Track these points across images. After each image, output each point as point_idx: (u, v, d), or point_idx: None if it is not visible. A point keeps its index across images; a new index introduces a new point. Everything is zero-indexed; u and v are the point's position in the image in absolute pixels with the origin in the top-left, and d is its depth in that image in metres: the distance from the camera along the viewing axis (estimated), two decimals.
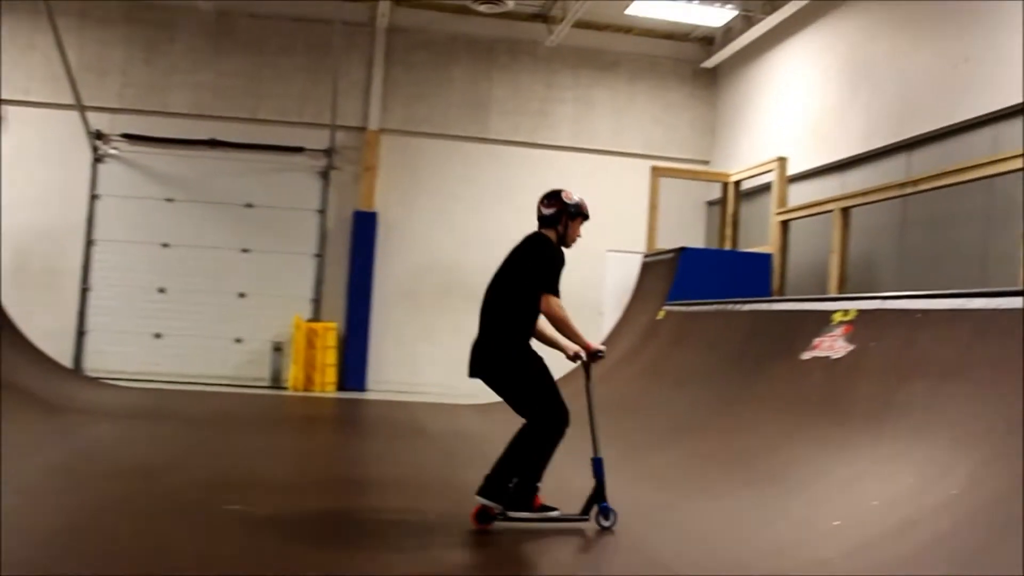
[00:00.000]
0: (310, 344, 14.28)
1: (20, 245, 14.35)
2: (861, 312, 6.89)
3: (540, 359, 5.40)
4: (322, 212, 15.08)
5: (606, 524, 5.20)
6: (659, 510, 5.73)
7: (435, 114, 15.69)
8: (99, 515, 5.15)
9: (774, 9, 13.52)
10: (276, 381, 14.64)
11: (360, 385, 14.69)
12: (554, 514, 5.30)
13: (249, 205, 15.04)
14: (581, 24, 15.14)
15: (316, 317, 14.89)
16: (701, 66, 16.11)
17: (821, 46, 13.02)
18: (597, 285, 15.30)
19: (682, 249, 11.58)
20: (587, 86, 16.18)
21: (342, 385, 14.59)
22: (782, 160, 12.20)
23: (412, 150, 15.58)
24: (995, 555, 3.84)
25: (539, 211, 5.86)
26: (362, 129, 15.38)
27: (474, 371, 5.52)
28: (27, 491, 5.55)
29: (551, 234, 5.77)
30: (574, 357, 5.58)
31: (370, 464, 8.00)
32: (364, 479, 7.00)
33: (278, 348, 14.73)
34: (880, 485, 5.02)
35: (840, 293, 9.67)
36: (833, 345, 6.96)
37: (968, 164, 8.54)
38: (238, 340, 14.82)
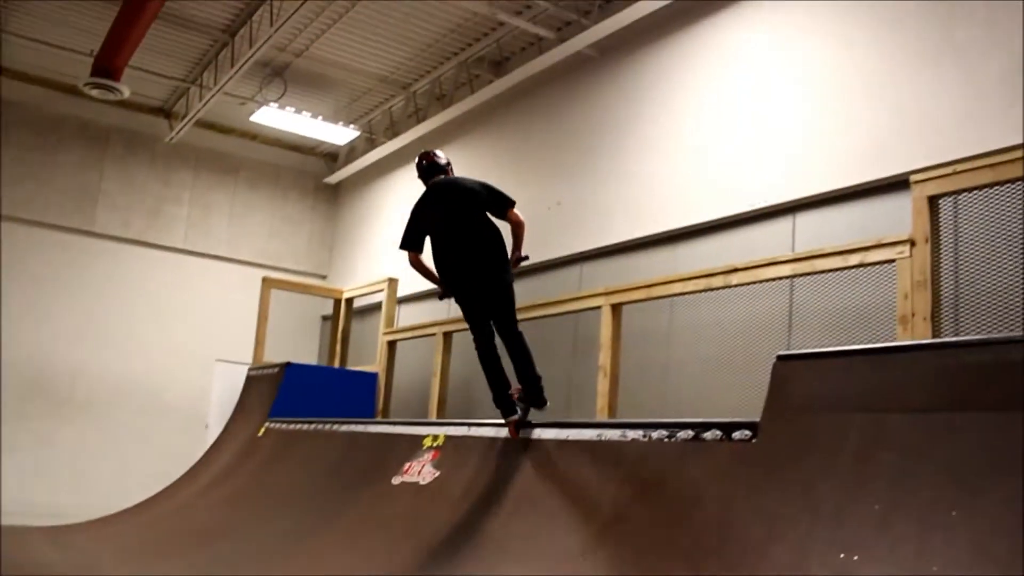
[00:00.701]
0: None
1: None
2: (448, 438, 7.22)
3: None
4: None
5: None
6: None
7: (39, 200, 14.32)
8: None
9: (395, 134, 14.21)
10: None
11: None
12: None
13: None
14: (204, 124, 14.87)
15: None
16: (324, 180, 16.42)
17: None
18: (204, 395, 14.68)
19: (287, 364, 11.47)
20: (206, 188, 15.80)
21: None
22: (393, 280, 12.58)
23: (7, 235, 13.98)
24: None
25: (436, 162, 6.94)
26: None
27: (476, 290, 6.34)
28: None
29: None
30: (517, 261, 6.49)
31: None
32: None
33: None
34: None
35: (439, 417, 10.06)
36: (421, 470, 7.20)
37: (557, 299, 9.38)
38: None
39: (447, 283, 6.49)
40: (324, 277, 16.22)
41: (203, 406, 14.61)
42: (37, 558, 9.14)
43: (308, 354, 14.75)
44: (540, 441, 6.21)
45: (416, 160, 6.91)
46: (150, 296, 14.91)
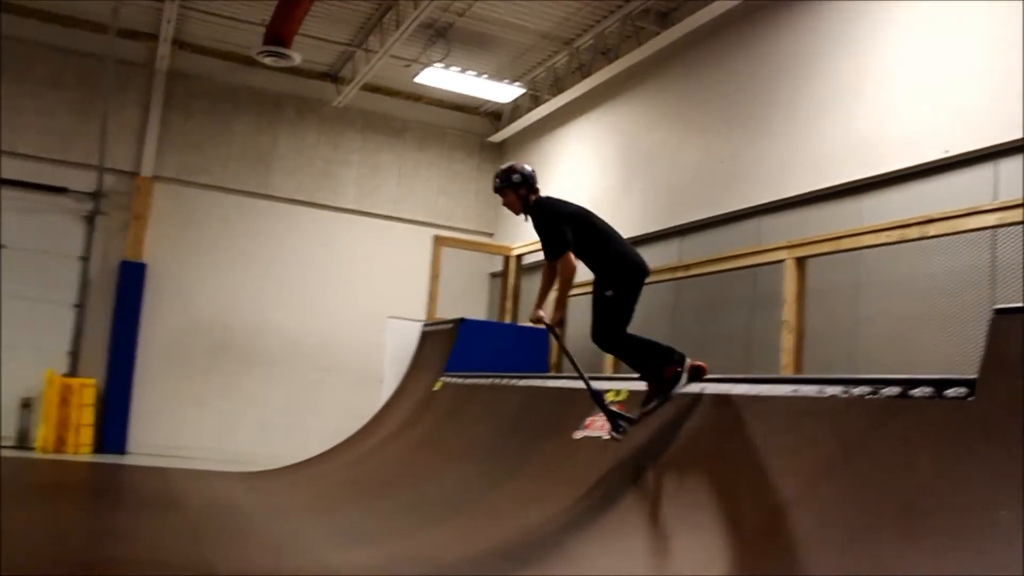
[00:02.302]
0: (64, 401, 13.18)
1: None
2: (632, 393, 7.17)
3: None
4: (85, 259, 14.05)
5: (619, 437, 6.24)
6: None
7: (214, 165, 15.15)
8: None
9: (559, 91, 14.15)
10: (23, 442, 13.39)
11: (120, 448, 13.73)
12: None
13: (1, 246, 13.82)
14: (370, 87, 15.21)
15: (73, 372, 13.78)
16: (489, 139, 16.55)
17: (603, 130, 13.72)
18: (377, 351, 15.17)
19: (461, 320, 11.68)
20: (374, 150, 16.20)
21: (100, 447, 13.57)
22: None
23: (187, 200, 14.93)
24: None
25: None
26: (134, 174, 14.59)
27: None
28: None
29: None
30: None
31: (109, 543, 7.28)
32: (100, 561, 6.35)
33: (27, 404, 13.50)
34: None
35: (614, 373, 10.03)
36: (604, 425, 7.19)
37: (735, 253, 9.16)
38: None
39: (632, 271, 6.28)
40: (491, 235, 16.41)
41: (376, 362, 15.09)
42: (233, 499, 9.74)
43: (477, 310, 15.00)
44: (728, 396, 6.09)
45: (531, 171, 6.55)
46: (323, 255, 15.49)
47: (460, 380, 10.49)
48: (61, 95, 14.36)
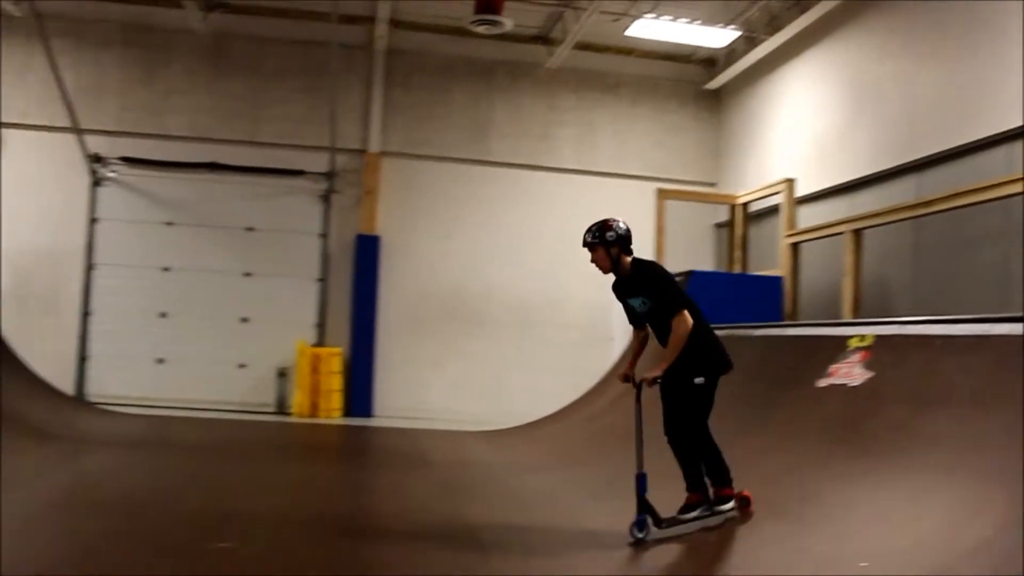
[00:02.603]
0: (314, 370, 14.13)
1: (20, 269, 14.20)
2: (879, 338, 6.78)
3: None
4: (324, 236, 14.95)
5: (639, 536, 5.46)
6: (673, 543, 5.56)
7: (435, 136, 15.63)
8: (79, 556, 4.97)
9: (776, 30, 13.50)
10: (281, 407, 14.49)
11: (366, 411, 14.55)
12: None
13: (250, 229, 14.94)
14: (581, 46, 15.08)
15: (320, 342, 14.77)
16: (704, 87, 16.09)
17: (825, 67, 12.98)
18: (605, 309, 15.16)
19: (691, 272, 11.45)
20: (588, 108, 16.13)
21: (348, 411, 14.45)
22: (790, 182, 12.11)
23: (413, 173, 15.51)
24: None
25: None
26: (362, 152, 15.31)
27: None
28: (8, 526, 5.38)
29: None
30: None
31: (369, 497, 7.78)
32: (361, 514, 6.81)
33: (283, 373, 14.57)
34: (909, 523, 4.88)
35: (854, 318, 9.54)
36: (850, 372, 6.85)
37: (984, 184, 8.42)
38: (242, 365, 14.67)
39: (723, 359, 5.87)
40: (712, 184, 15.99)
41: (605, 320, 15.10)
42: (476, 456, 10.05)
43: (703, 262, 14.64)
44: (987, 337, 5.63)
45: (626, 229, 5.94)
46: (544, 217, 15.63)
47: None
48: (291, 83, 15.25)
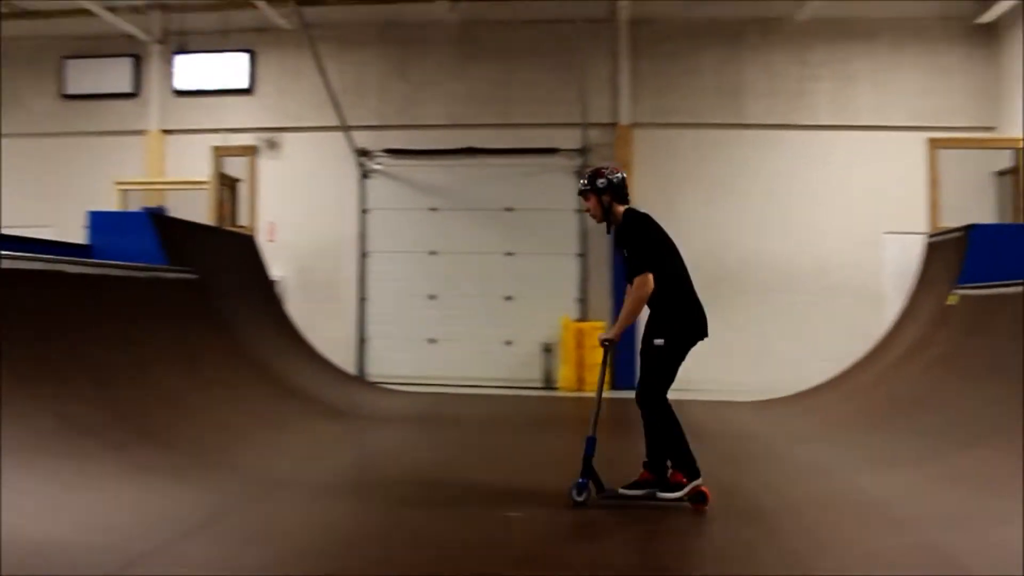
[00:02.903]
0: (579, 344, 14.33)
1: (303, 262, 15.36)
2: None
3: None
4: (580, 211, 15.11)
5: (577, 499, 5.58)
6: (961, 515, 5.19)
7: (686, 104, 15.37)
8: (381, 521, 5.39)
9: None
10: (548, 382, 14.84)
11: (632, 383, 14.52)
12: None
13: (509, 209, 15.36)
14: None
15: (583, 316, 14.97)
16: (975, 22, 14.85)
17: None
18: (873, 270, 14.50)
19: (971, 226, 10.63)
20: (844, 59, 15.30)
21: (614, 384, 14.54)
22: None
23: (665, 142, 15.36)
24: None
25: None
26: (613, 125, 15.33)
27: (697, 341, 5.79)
28: (317, 495, 5.92)
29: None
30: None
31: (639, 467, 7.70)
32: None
33: (548, 349, 14.91)
34: None
35: None
36: None
37: None
38: (508, 342, 15.15)
39: (693, 325, 5.76)
40: (992, 129, 14.78)
41: (874, 281, 14.43)
42: (750, 427, 9.87)
43: (984, 214, 13.59)
44: None
45: (620, 178, 5.98)
46: (803, 177, 15.06)
47: (978, 292, 9.48)
48: (540, 63, 15.48)
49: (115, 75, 16.52)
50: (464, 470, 7.24)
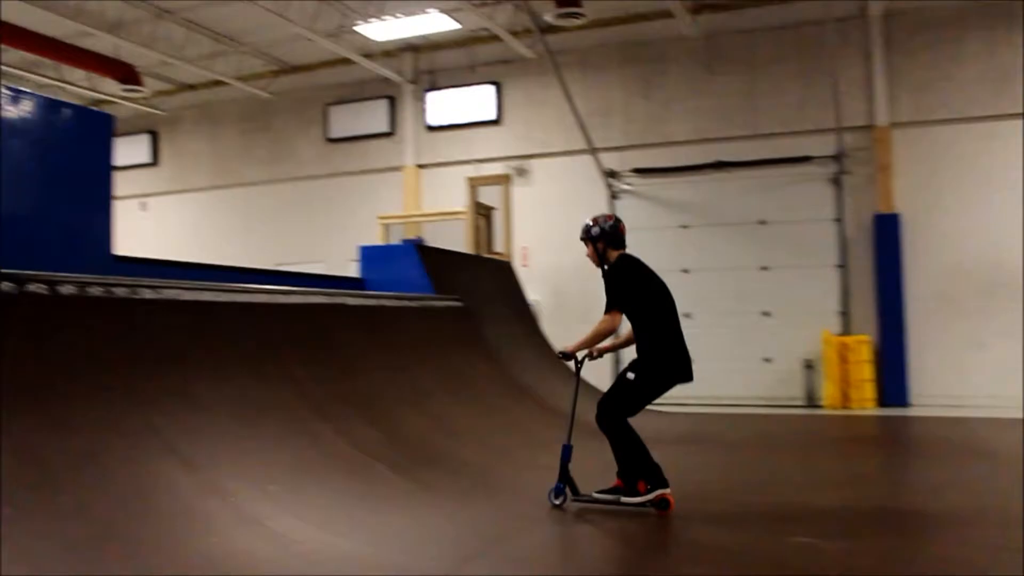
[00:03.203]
0: (843, 359, 13.73)
1: (556, 285, 15.64)
2: None
3: None
4: (839, 220, 14.45)
5: (555, 502, 6.03)
6: None
7: (949, 97, 14.22)
8: (656, 541, 5.50)
9: None
10: (811, 400, 14.27)
11: (902, 400, 13.79)
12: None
13: (762, 222, 14.97)
14: None
15: (846, 331, 14.30)
16: None
17: None
18: None
19: None
20: None
21: (882, 401, 13.84)
22: None
23: (927, 141, 14.35)
24: None
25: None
26: (869, 127, 14.56)
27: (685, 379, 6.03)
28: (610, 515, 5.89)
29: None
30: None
31: (930, 493, 7.18)
32: (930, 511, 6.26)
33: (809, 365, 14.34)
34: None
35: None
36: None
37: None
38: (767, 359, 14.74)
39: (671, 368, 5.98)
40: None
41: None
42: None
43: None
44: None
45: (611, 225, 6.21)
46: None
47: None
48: (786, 68, 15.01)
49: (373, 116, 17.66)
50: (743, 490, 7.11)
